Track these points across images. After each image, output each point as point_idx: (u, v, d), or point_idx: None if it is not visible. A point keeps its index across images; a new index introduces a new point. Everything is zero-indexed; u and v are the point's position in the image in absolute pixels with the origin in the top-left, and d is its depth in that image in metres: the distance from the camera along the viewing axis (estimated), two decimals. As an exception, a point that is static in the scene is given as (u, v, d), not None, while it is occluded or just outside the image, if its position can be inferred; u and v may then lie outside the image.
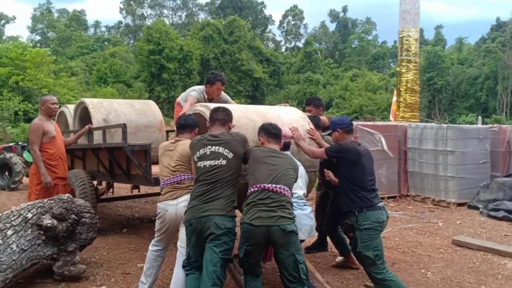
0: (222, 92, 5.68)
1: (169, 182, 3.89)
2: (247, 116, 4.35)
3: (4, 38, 51.90)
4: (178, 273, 3.71)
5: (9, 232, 4.01)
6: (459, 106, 37.94)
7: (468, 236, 6.48)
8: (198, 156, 3.58)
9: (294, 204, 3.76)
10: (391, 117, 16.04)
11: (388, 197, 9.29)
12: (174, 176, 3.87)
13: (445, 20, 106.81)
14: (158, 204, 3.98)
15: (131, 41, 58.05)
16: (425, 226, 7.12)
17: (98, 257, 5.30)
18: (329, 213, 4.98)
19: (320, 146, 4.62)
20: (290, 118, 4.70)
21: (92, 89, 34.65)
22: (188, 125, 4.10)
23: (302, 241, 3.95)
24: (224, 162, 3.51)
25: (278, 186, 3.45)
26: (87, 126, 5.98)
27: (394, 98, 15.70)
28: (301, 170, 4.09)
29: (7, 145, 12.12)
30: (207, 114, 4.14)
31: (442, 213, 8.14)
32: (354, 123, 9.68)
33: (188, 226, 3.48)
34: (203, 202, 3.44)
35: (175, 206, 3.79)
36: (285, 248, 3.38)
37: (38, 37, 57.29)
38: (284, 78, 46.76)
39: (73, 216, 4.37)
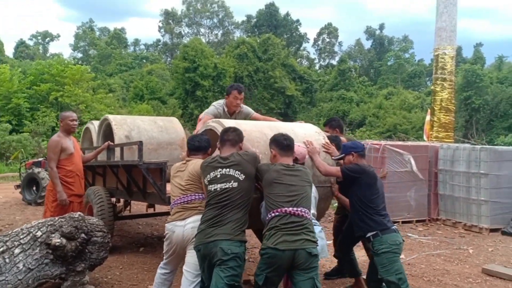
0: (243, 105, 5.63)
1: (179, 202, 3.82)
2: (259, 130, 4.30)
3: (48, 55, 54.08)
4: None
5: (17, 251, 3.98)
6: (498, 126, 36.53)
7: (500, 265, 6.11)
8: (208, 179, 3.53)
9: None
10: (424, 137, 15.58)
11: (417, 221, 8.93)
12: (185, 196, 3.79)
13: (485, 38, 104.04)
14: (166, 224, 3.92)
15: (168, 59, 59.20)
16: (454, 253, 6.75)
17: (110, 277, 5.24)
18: (345, 233, 4.80)
19: (336, 163, 4.53)
20: (304, 132, 4.62)
21: (129, 105, 35.42)
22: (202, 147, 4.04)
23: None
24: (235, 184, 3.45)
25: (299, 209, 3.38)
26: (106, 143, 6.01)
27: (428, 118, 15.27)
28: (313, 189, 3.95)
29: (36, 160, 12.39)
30: (219, 130, 4.10)
31: (473, 239, 7.72)
32: (383, 142, 9.42)
33: (197, 251, 3.47)
34: (211, 227, 3.40)
35: (183, 227, 3.71)
36: (306, 271, 3.30)
37: (80, 55, 59.34)
38: (316, 96, 46.45)
39: (83, 235, 4.31)
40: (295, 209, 3.35)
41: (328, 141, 4.68)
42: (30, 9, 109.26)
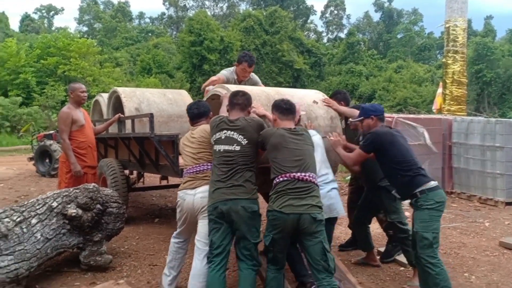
0: (252, 74, 5.57)
1: (191, 171, 3.77)
2: (260, 89, 4.47)
3: (53, 29, 53.72)
4: (197, 267, 3.59)
5: (34, 221, 3.96)
6: (510, 100, 36.09)
7: (517, 238, 6.03)
8: (214, 139, 3.58)
9: None
10: (433, 109, 15.37)
11: (431, 194, 8.84)
12: (198, 165, 3.75)
13: (495, 11, 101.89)
14: (178, 192, 3.88)
15: (174, 32, 58.68)
16: (470, 226, 6.68)
17: (127, 247, 5.25)
18: (361, 206, 4.74)
19: (339, 112, 4.67)
20: (304, 93, 4.69)
21: (136, 79, 35.28)
22: (202, 113, 4.00)
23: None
24: (237, 148, 3.48)
25: (307, 174, 3.35)
26: (117, 115, 5.94)
27: (439, 90, 15.01)
28: (317, 139, 4.03)
29: (47, 132, 12.40)
30: (223, 95, 4.11)
31: (489, 213, 7.64)
32: (395, 115, 9.28)
33: (213, 210, 3.42)
34: (228, 187, 3.40)
35: (193, 196, 3.68)
36: (313, 235, 3.29)
37: (85, 28, 58.90)
38: (325, 70, 45.99)
39: (98, 206, 4.29)
40: (302, 174, 3.33)
41: (326, 96, 4.75)
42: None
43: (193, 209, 3.68)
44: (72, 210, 4.10)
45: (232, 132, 3.51)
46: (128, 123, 5.99)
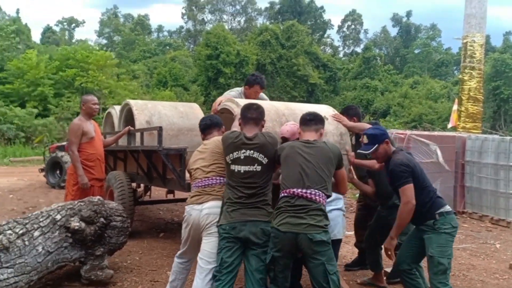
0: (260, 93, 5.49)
1: (199, 184, 3.68)
2: (270, 103, 4.48)
3: (73, 41, 54.74)
4: (198, 286, 3.51)
5: (36, 234, 3.98)
6: (527, 117, 35.49)
7: (529, 261, 5.87)
8: (232, 159, 3.42)
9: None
10: (449, 125, 15.17)
11: (442, 213, 8.68)
12: (207, 178, 3.65)
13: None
14: (185, 207, 3.81)
15: (191, 46, 59.27)
16: (480, 248, 6.54)
17: (129, 262, 5.24)
18: (374, 227, 4.61)
19: (348, 128, 4.55)
20: (314, 108, 4.47)
21: (152, 92, 35.61)
22: (214, 124, 3.96)
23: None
24: (259, 168, 3.38)
25: (308, 191, 3.24)
26: (127, 128, 5.99)
27: (455, 107, 14.83)
28: None
29: (60, 144, 12.52)
30: (235, 109, 4.05)
31: (500, 234, 7.48)
32: (408, 132, 9.17)
33: (230, 229, 3.32)
34: (246, 208, 3.34)
35: (199, 211, 3.58)
36: (313, 257, 3.19)
37: (104, 41, 59.85)
38: (340, 84, 45.85)
39: (102, 219, 4.29)
40: (303, 191, 3.23)
41: (337, 112, 4.68)
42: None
43: (198, 225, 3.60)
44: (75, 223, 4.12)
45: (252, 152, 3.39)
46: (138, 136, 6.04)
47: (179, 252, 3.90)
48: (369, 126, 4.38)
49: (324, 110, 4.74)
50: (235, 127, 3.82)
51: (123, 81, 31.30)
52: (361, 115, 5.22)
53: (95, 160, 5.35)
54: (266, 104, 4.45)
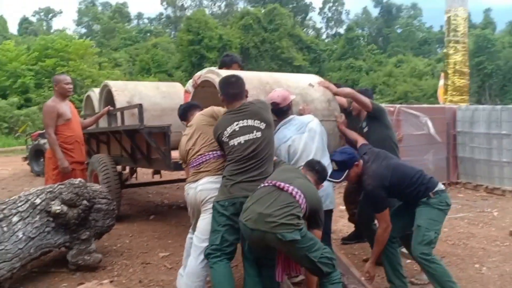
0: None
1: (194, 164, 3.45)
2: (252, 73, 4.30)
3: (51, 31, 53.56)
4: (191, 265, 3.30)
5: (15, 219, 3.71)
6: (511, 91, 35.77)
7: (527, 227, 5.77)
8: (227, 135, 3.17)
9: None
10: (440, 102, 15.08)
11: (436, 185, 8.58)
12: (200, 156, 3.42)
13: (494, 3, 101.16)
14: (184, 187, 3.63)
15: (173, 32, 58.43)
16: (478, 216, 6.43)
17: (119, 245, 5.00)
18: (364, 202, 4.41)
19: (336, 94, 4.36)
20: (299, 78, 4.50)
21: (135, 79, 35.07)
22: (192, 105, 3.83)
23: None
24: (259, 134, 3.15)
25: (291, 186, 2.93)
26: (106, 108, 5.73)
27: (441, 82, 14.74)
28: (314, 125, 3.71)
29: (42, 131, 12.15)
30: (216, 80, 3.76)
31: (497, 202, 7.38)
32: (398, 105, 9.01)
33: (230, 205, 3.08)
34: (249, 181, 3.08)
35: (194, 189, 3.38)
36: (292, 253, 2.92)
37: (84, 30, 58.70)
38: (325, 66, 45.72)
39: (85, 202, 4.03)
40: (285, 184, 2.95)
41: (322, 79, 4.51)
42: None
43: (195, 203, 3.42)
44: (56, 207, 3.86)
45: (245, 120, 3.16)
46: (120, 117, 5.77)
47: (191, 227, 3.66)
48: (350, 90, 4.29)
49: (310, 78, 4.54)
50: None
51: (105, 69, 30.71)
52: (373, 96, 4.96)
53: (73, 143, 5.03)
54: (249, 73, 4.22)
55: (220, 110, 3.46)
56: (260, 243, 2.93)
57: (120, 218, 5.97)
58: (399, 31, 52.39)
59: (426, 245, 3.39)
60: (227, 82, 3.35)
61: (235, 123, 3.17)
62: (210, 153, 3.40)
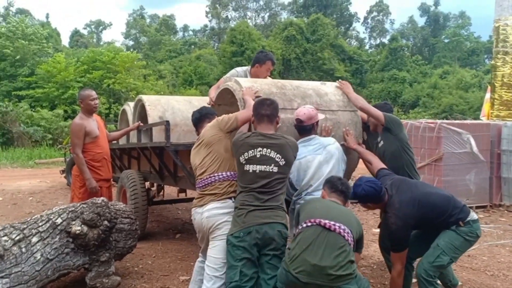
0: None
1: (200, 185, 3.39)
2: (272, 81, 4.25)
3: (101, 43, 55.47)
4: None
5: (34, 239, 3.72)
6: None
7: None
8: (246, 158, 3.12)
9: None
10: (481, 117, 14.39)
11: (477, 207, 8.14)
12: (207, 177, 3.34)
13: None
14: (191, 209, 3.55)
15: (216, 44, 59.22)
16: (521, 244, 6.02)
17: (141, 266, 4.95)
18: (384, 237, 3.88)
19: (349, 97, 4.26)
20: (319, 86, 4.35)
21: (178, 91, 35.67)
22: (203, 115, 3.70)
23: None
24: (275, 169, 3.10)
25: (337, 224, 2.85)
26: (136, 123, 5.74)
27: (487, 95, 14.09)
28: (333, 148, 3.63)
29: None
30: (235, 89, 3.83)
31: (542, 228, 6.90)
32: (439, 121, 8.63)
33: (245, 235, 3.00)
34: (260, 210, 3.04)
35: (201, 214, 3.31)
36: None
37: (131, 42, 60.41)
38: (367, 77, 44.95)
39: (106, 222, 4.01)
40: (332, 222, 2.91)
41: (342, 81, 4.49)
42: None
43: (202, 229, 3.34)
44: (76, 227, 3.85)
45: (269, 150, 3.10)
46: (155, 132, 5.77)
47: (201, 250, 3.61)
48: (362, 100, 4.16)
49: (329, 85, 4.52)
50: (243, 127, 3.52)
51: (149, 81, 31.40)
52: (392, 111, 4.76)
53: (101, 160, 5.02)
54: (268, 81, 4.26)
55: (224, 119, 3.38)
56: None
57: (145, 236, 5.98)
58: (446, 41, 50.84)
59: (435, 267, 3.28)
60: (261, 103, 3.31)
61: (258, 149, 3.11)
62: (216, 174, 3.31)
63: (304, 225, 2.93)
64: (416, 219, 3.26)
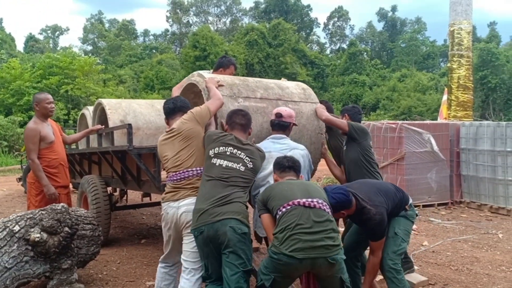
0: None
1: (174, 178, 3.31)
2: (239, 78, 4.27)
3: (58, 49, 53.97)
4: (185, 287, 3.21)
5: (-10, 248, 3.54)
6: (516, 106, 35.38)
7: (535, 250, 5.52)
8: (215, 152, 3.20)
9: None
10: (439, 119, 14.81)
11: (439, 204, 8.36)
12: (182, 171, 3.28)
13: (499, 17, 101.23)
14: (162, 204, 3.44)
15: (178, 48, 58.68)
16: (482, 238, 6.19)
17: (105, 273, 4.79)
18: (359, 234, 3.82)
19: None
20: (286, 85, 4.47)
21: (139, 96, 35.09)
22: (178, 108, 3.56)
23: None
24: (242, 168, 3.18)
25: (314, 200, 2.93)
26: (97, 126, 5.55)
27: (445, 97, 14.51)
28: (304, 155, 3.71)
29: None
30: (201, 83, 3.88)
31: (501, 223, 7.13)
32: (399, 122, 8.82)
33: (199, 234, 3.04)
34: (216, 205, 3.03)
35: (176, 209, 3.24)
36: (332, 276, 2.89)
37: (89, 47, 59.07)
38: (328, 81, 45.63)
39: (66, 228, 3.84)
40: (310, 200, 2.99)
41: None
42: (40, 4, 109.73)
43: (177, 224, 3.27)
44: (35, 235, 3.67)
45: (240, 152, 3.22)
46: (117, 135, 5.60)
47: (162, 256, 3.54)
48: (326, 115, 4.28)
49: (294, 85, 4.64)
50: (211, 125, 3.57)
51: (110, 86, 30.72)
52: (332, 109, 4.88)
53: (58, 166, 4.75)
54: (235, 78, 4.26)
55: (201, 112, 3.40)
56: (302, 272, 2.95)
57: (109, 243, 5.80)
58: (403, 45, 52.28)
59: (399, 255, 3.43)
60: (236, 112, 3.46)
61: (230, 148, 3.21)
62: (194, 169, 3.29)
63: (284, 209, 2.91)
64: (387, 205, 3.38)
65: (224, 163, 3.15)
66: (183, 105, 3.57)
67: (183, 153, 3.31)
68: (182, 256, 3.27)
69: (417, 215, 3.62)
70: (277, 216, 2.95)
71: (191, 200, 3.20)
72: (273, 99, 4.10)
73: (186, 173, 3.28)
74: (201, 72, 4.17)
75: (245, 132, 3.41)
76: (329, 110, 4.56)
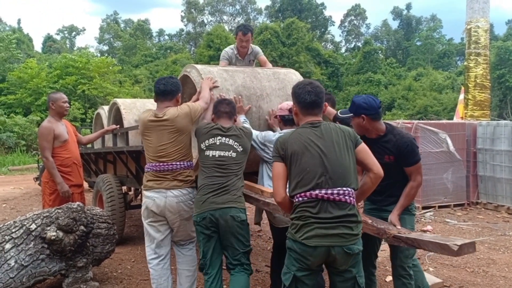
0: (253, 45, 5.62)
1: (157, 169, 3.47)
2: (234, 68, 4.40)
3: (74, 49, 54.59)
4: (183, 254, 3.71)
5: (8, 246, 3.60)
6: (534, 104, 34.76)
7: (553, 253, 5.43)
8: (207, 145, 3.42)
9: None
10: (455, 118, 14.62)
11: (455, 205, 8.26)
12: (167, 163, 3.46)
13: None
14: (144, 192, 3.56)
15: (192, 48, 58.92)
16: (499, 240, 6.10)
17: (120, 272, 4.84)
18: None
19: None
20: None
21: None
22: (168, 91, 3.55)
23: None
24: (234, 154, 3.40)
25: (335, 191, 2.59)
26: (112, 126, 5.60)
27: (461, 96, 14.34)
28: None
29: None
30: (194, 76, 4.04)
31: (519, 224, 7.02)
32: (415, 121, 8.73)
33: (201, 220, 3.29)
34: (215, 195, 3.29)
35: (164, 198, 3.47)
36: (346, 270, 2.65)
37: (105, 47, 59.63)
38: (343, 80, 45.38)
39: (82, 227, 3.89)
40: (330, 191, 2.62)
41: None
42: (57, 4, 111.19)
43: (171, 211, 3.48)
44: (51, 233, 3.73)
45: (228, 139, 3.42)
46: (131, 135, 5.65)
47: (150, 253, 3.63)
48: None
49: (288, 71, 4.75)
50: (206, 119, 3.72)
51: (125, 86, 31.00)
52: (335, 101, 4.73)
53: (71, 165, 4.82)
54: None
55: (197, 109, 3.57)
56: (316, 262, 2.62)
57: (124, 241, 5.85)
58: (418, 43, 51.78)
59: (410, 259, 3.35)
60: (220, 101, 3.64)
61: (218, 138, 3.40)
62: (180, 163, 3.50)
63: (300, 198, 2.65)
64: None
65: (217, 153, 3.36)
66: (173, 89, 3.57)
67: (170, 147, 3.48)
68: (180, 266, 3.73)
69: (413, 210, 3.45)
70: (295, 201, 2.69)
71: (182, 192, 3.49)
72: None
73: (170, 165, 3.47)
74: (194, 64, 4.22)
75: (230, 119, 3.55)
76: (332, 102, 4.46)
